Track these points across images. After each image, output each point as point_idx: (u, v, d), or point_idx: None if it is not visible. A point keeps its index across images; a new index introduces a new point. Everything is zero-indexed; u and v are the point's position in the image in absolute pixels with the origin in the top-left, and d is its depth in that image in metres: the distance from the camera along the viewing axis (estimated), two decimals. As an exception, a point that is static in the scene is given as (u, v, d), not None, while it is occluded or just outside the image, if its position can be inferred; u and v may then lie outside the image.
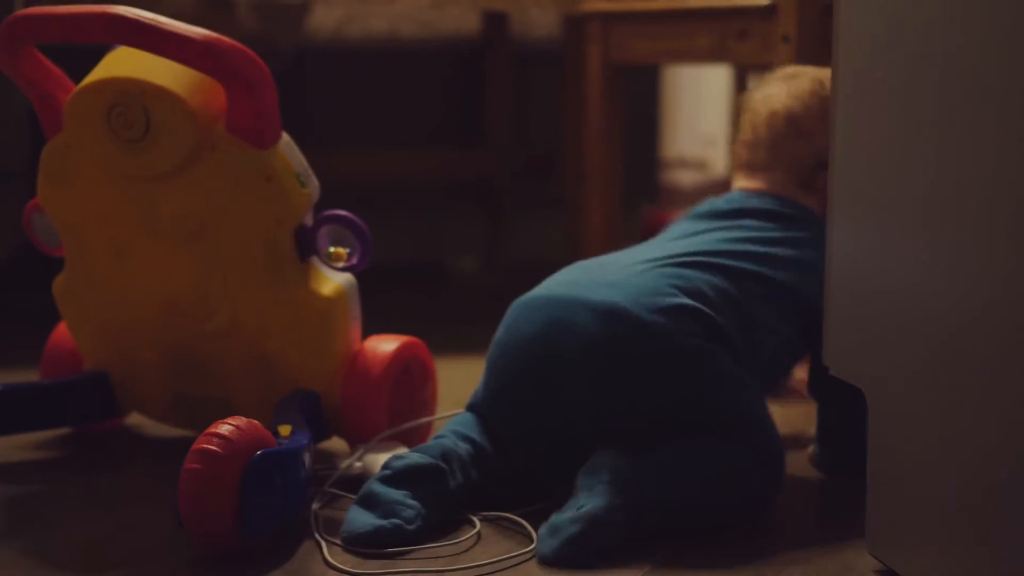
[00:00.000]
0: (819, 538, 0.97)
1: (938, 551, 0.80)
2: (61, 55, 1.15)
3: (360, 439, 1.11)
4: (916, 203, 0.82)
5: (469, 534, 0.96)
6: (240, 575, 0.88)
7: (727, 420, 0.99)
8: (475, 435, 1.03)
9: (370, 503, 0.94)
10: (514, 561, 0.91)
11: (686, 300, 1.01)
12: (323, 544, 0.93)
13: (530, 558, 0.91)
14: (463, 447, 1.01)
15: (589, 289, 1.02)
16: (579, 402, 0.99)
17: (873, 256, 0.87)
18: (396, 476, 0.96)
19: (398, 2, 1.72)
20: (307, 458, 0.96)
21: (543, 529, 0.93)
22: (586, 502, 0.92)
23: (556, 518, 0.92)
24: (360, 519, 0.94)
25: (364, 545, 0.92)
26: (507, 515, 0.99)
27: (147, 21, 1.00)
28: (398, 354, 1.12)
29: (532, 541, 0.93)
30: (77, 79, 1.10)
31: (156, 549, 0.94)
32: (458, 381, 1.48)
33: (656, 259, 1.06)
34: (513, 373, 1.02)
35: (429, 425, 1.16)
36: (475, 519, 0.98)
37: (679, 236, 1.13)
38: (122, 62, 1.06)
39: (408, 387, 1.15)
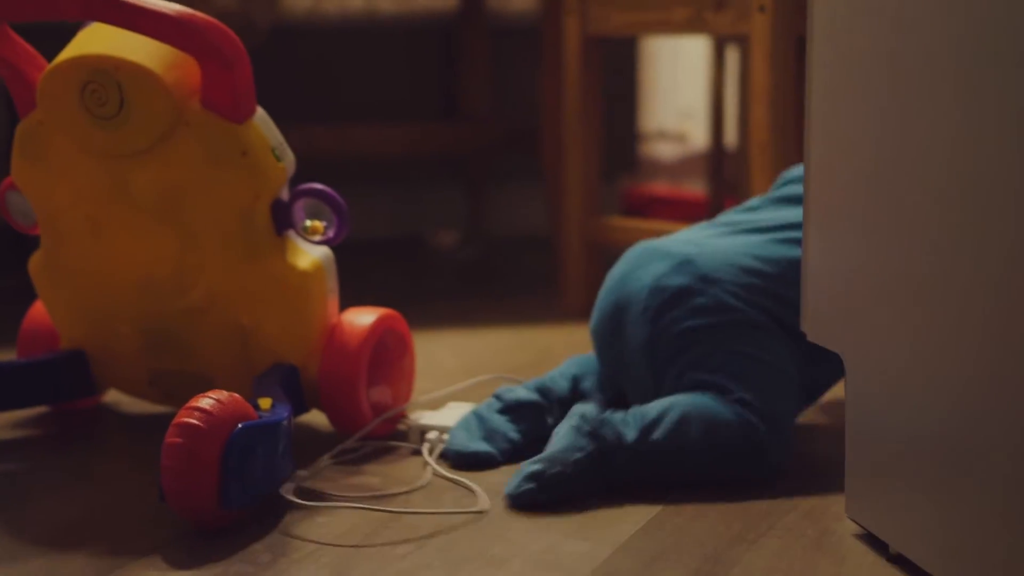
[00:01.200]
0: (799, 503, 0.97)
1: (915, 514, 0.81)
2: (33, 34, 1.15)
3: (338, 411, 1.11)
4: (890, 169, 0.82)
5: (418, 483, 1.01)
6: (222, 547, 0.89)
7: (745, 392, 1.01)
8: (581, 374, 1.13)
9: (477, 426, 1.06)
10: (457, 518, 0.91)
11: (762, 267, 1.05)
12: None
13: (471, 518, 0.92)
14: (563, 386, 1.11)
15: (678, 243, 1.09)
16: (637, 344, 1.06)
17: (849, 218, 0.87)
18: (505, 407, 1.08)
19: (373, -24, 1.72)
20: (288, 430, 0.97)
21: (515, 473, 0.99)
22: (550, 446, 0.99)
23: (525, 463, 0.98)
24: (463, 438, 1.05)
25: (461, 461, 1.04)
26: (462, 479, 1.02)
27: (119, -4, 1.00)
28: (375, 327, 1.12)
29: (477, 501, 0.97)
30: (50, 57, 1.10)
31: (138, 524, 0.94)
32: (437, 353, 1.48)
33: (764, 228, 1.10)
34: (600, 311, 1.11)
35: (402, 411, 1.16)
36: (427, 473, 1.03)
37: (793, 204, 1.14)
38: (96, 39, 1.05)
39: (386, 359, 1.15)
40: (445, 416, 1.13)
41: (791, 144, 1.50)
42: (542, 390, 1.11)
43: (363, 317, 1.12)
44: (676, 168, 3.00)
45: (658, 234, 1.67)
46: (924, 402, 0.79)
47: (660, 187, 2.92)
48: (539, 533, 0.91)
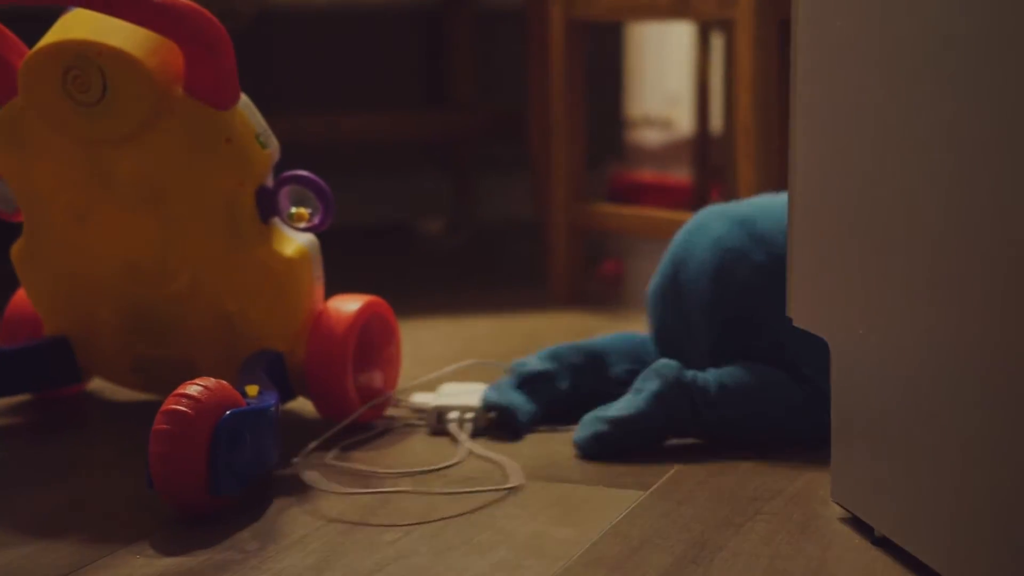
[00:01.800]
0: (785, 487, 0.98)
1: (899, 497, 0.81)
2: (13, 19, 1.14)
3: (325, 398, 1.11)
4: (875, 153, 0.82)
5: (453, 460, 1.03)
6: (210, 534, 0.89)
7: (809, 368, 1.05)
8: (606, 353, 1.15)
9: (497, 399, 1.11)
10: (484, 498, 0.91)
11: None
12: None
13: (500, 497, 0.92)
14: (578, 356, 1.14)
15: (741, 205, 1.11)
16: (699, 304, 1.08)
17: (833, 203, 0.87)
18: (520, 381, 1.12)
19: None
20: (275, 417, 0.97)
21: (586, 415, 1.05)
22: (625, 406, 1.03)
23: (599, 411, 1.04)
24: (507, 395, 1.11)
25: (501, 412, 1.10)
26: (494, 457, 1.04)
27: (101, -19, 0.99)
28: (361, 313, 1.12)
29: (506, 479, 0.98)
30: (31, 43, 1.09)
31: (125, 512, 0.94)
32: (425, 340, 1.48)
33: None
34: (660, 274, 1.13)
35: (389, 398, 1.17)
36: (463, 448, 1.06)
37: None
38: (77, 25, 1.05)
39: (372, 346, 1.15)
40: (451, 396, 1.14)
41: (776, 129, 1.50)
42: (555, 356, 1.14)
43: (348, 304, 1.12)
44: (662, 154, 3.00)
45: (644, 220, 1.68)
46: (908, 386, 0.80)
47: (646, 173, 2.92)
48: (526, 520, 0.91)
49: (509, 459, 1.03)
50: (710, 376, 1.05)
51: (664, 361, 1.05)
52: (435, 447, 1.08)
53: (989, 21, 0.70)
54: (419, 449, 1.08)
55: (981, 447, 0.72)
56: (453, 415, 1.12)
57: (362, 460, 1.04)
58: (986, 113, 0.71)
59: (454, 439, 1.10)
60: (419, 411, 1.17)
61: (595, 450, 1.04)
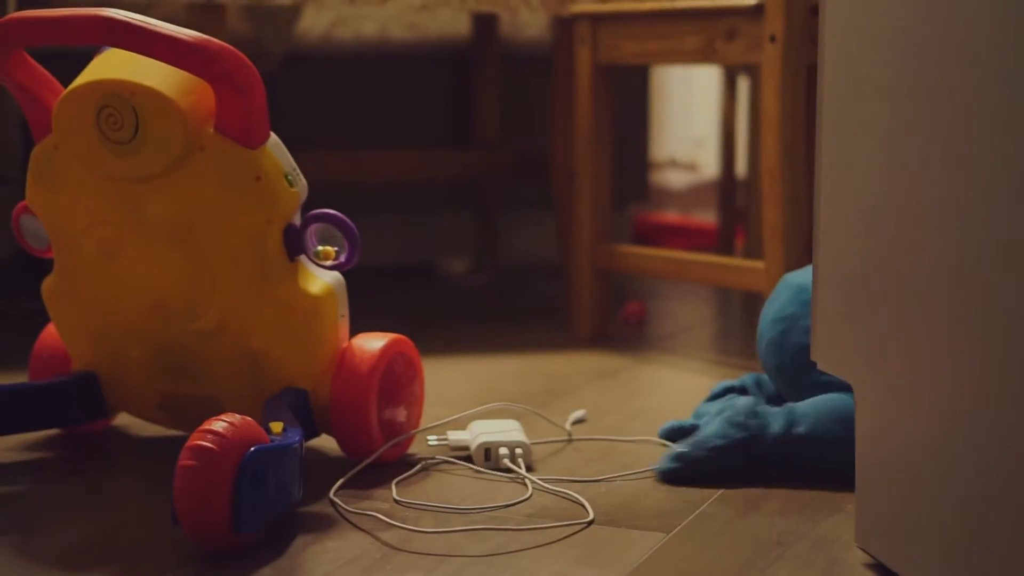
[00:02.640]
0: (808, 532, 0.97)
1: (926, 543, 0.81)
2: (48, 58, 1.16)
3: (348, 437, 1.11)
4: (900, 198, 0.83)
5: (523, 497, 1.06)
6: (232, 571, 0.89)
7: None
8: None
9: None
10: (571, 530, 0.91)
11: None
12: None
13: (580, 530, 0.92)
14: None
15: (805, 272, 1.22)
16: (771, 370, 1.20)
17: (859, 247, 0.88)
18: (713, 395, 1.26)
19: (388, 4, 1.73)
20: (300, 454, 0.97)
21: (674, 446, 1.12)
22: (704, 428, 1.11)
23: (681, 443, 1.11)
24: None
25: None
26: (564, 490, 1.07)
27: (136, 23, 1.01)
28: (385, 351, 1.12)
29: (588, 513, 1.01)
30: (66, 82, 1.11)
31: (149, 547, 0.94)
32: (447, 379, 1.49)
33: None
34: (758, 337, 1.24)
35: (412, 436, 1.17)
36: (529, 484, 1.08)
37: None
38: (111, 64, 1.06)
39: (396, 384, 1.15)
40: (490, 433, 1.14)
41: (801, 173, 1.50)
42: (759, 381, 1.27)
43: (373, 342, 1.13)
44: (687, 196, 3.00)
45: (667, 262, 1.68)
46: (934, 430, 0.79)
47: (671, 215, 2.92)
48: (549, 560, 0.91)
49: (579, 495, 1.05)
50: (780, 410, 1.12)
51: (736, 397, 1.16)
52: (487, 483, 1.09)
53: (1017, 69, 0.71)
54: (473, 485, 1.08)
55: (1008, 493, 0.72)
56: (503, 451, 1.12)
57: (424, 497, 1.05)
58: (1015, 159, 0.71)
59: (508, 474, 1.11)
60: (459, 448, 1.17)
61: (672, 475, 1.10)
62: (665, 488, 1.08)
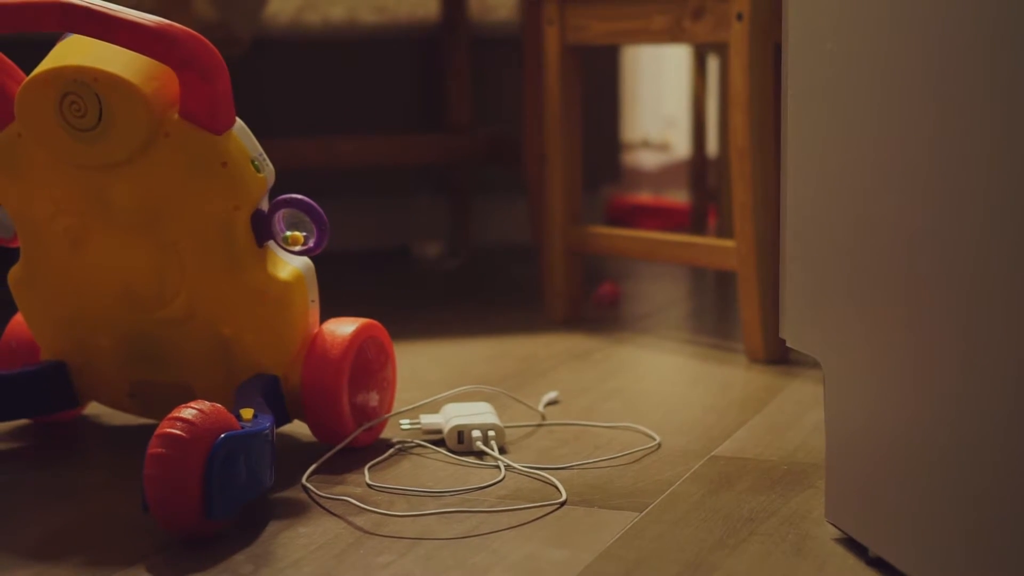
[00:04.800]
0: (779, 508, 0.98)
1: (894, 518, 0.82)
2: (10, 46, 1.15)
3: (320, 422, 1.11)
4: (867, 174, 0.83)
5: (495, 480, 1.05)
6: (204, 558, 0.89)
7: None
8: None
9: None
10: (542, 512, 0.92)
11: None
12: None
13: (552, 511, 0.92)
14: None
15: None
16: None
17: (826, 223, 0.88)
18: None
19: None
20: (270, 440, 0.97)
21: None
22: None
23: None
24: None
25: None
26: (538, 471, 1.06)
27: (97, 9, 1.00)
28: (356, 336, 1.12)
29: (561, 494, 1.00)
30: (28, 69, 1.10)
31: (121, 535, 0.94)
32: (421, 363, 1.48)
33: None
34: None
35: (385, 421, 1.17)
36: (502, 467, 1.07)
37: None
38: (74, 51, 1.05)
39: (367, 369, 1.15)
40: (463, 416, 1.14)
41: (770, 151, 1.51)
42: None
43: (344, 327, 1.12)
44: (660, 177, 3.01)
45: (639, 243, 1.68)
46: (901, 406, 0.80)
47: (644, 196, 2.93)
48: (522, 541, 0.91)
49: (552, 476, 1.05)
50: None
51: None
52: (460, 466, 1.09)
53: (981, 43, 0.71)
54: (446, 468, 1.08)
55: (975, 467, 0.73)
56: (476, 434, 1.12)
57: (397, 481, 1.05)
58: (978, 134, 0.71)
59: (480, 457, 1.11)
60: (432, 432, 1.17)
61: None
62: (637, 468, 1.09)
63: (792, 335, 0.94)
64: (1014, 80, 0.68)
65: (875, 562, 0.86)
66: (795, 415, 1.26)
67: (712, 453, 1.13)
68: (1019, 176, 0.67)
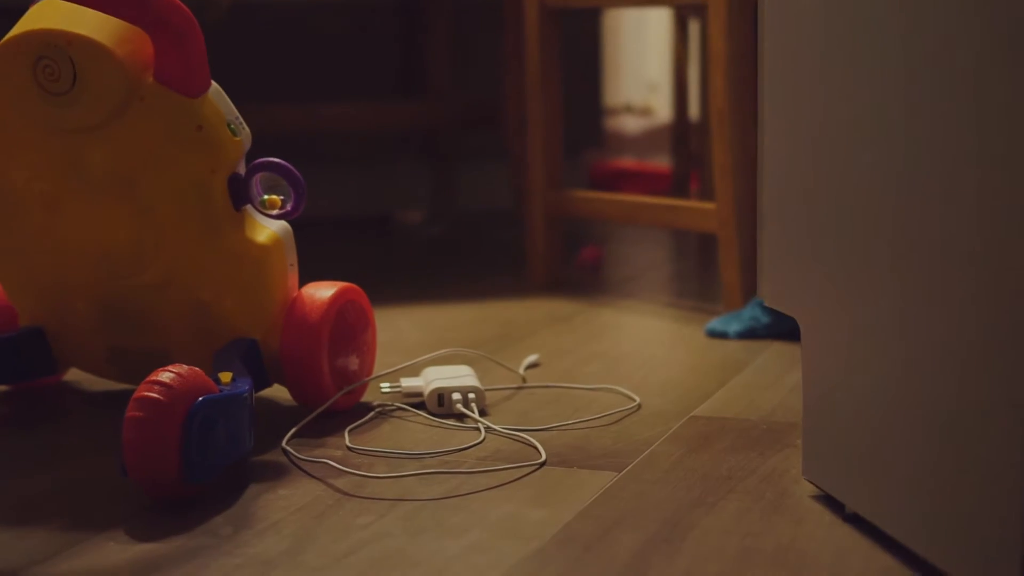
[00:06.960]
0: (758, 466, 0.98)
1: (869, 474, 0.82)
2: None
3: (300, 386, 1.11)
4: (842, 135, 0.83)
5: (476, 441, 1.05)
6: (184, 521, 0.89)
7: None
8: None
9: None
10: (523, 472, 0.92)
11: None
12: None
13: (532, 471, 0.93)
14: None
15: None
16: None
17: (802, 183, 0.88)
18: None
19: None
20: (249, 403, 0.97)
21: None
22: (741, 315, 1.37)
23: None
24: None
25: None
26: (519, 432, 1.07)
27: (70, -29, 0.99)
28: (335, 299, 1.12)
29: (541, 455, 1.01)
30: (0, 34, 1.09)
31: (99, 499, 0.94)
32: (403, 328, 1.49)
33: None
34: None
35: (365, 384, 1.17)
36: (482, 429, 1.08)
37: None
38: (47, 15, 1.05)
39: (347, 333, 1.15)
40: (443, 379, 1.14)
41: (750, 113, 1.51)
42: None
43: (323, 291, 1.12)
44: (642, 141, 3.00)
45: (621, 207, 1.68)
46: (877, 364, 0.80)
47: (626, 161, 2.92)
48: (500, 502, 0.92)
49: (531, 438, 1.06)
50: None
51: None
52: (440, 429, 1.09)
53: (956, 4, 0.71)
54: (427, 431, 1.08)
55: (949, 424, 0.73)
56: (456, 396, 1.12)
57: (377, 444, 1.05)
58: (952, 94, 0.71)
59: (461, 420, 1.11)
60: (413, 395, 1.17)
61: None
62: (617, 429, 1.09)
63: (769, 295, 0.94)
64: (986, 36, 0.68)
65: (851, 518, 0.87)
66: (775, 376, 1.26)
67: (691, 414, 1.13)
68: (995, 134, 0.67)
